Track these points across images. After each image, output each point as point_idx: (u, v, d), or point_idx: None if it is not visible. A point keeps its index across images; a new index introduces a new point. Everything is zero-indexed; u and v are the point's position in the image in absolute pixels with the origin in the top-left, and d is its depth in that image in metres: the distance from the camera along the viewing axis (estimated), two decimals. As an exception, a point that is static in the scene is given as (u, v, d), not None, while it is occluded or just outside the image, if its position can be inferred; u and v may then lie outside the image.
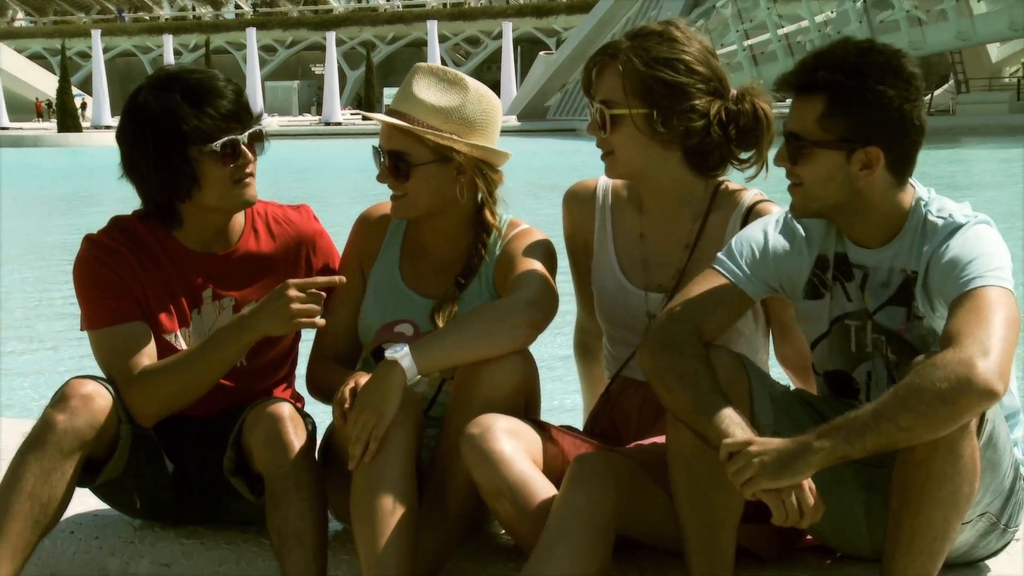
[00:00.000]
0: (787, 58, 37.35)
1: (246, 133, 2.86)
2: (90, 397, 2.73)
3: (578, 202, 2.95)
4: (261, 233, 3.00)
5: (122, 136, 2.88)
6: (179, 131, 2.79)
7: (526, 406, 2.77)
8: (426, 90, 2.88)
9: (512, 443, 2.63)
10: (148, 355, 2.84)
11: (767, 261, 2.60)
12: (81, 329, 2.92)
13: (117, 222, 2.95)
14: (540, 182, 20.09)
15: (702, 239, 2.83)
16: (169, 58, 58.90)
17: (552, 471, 2.68)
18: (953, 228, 2.49)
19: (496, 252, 2.93)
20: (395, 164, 2.87)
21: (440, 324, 2.86)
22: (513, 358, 2.72)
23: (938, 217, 2.51)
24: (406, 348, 2.68)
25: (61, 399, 2.73)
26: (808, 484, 2.33)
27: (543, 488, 2.62)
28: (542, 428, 2.75)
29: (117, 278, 2.87)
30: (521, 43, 61.95)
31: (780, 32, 39.18)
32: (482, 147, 2.87)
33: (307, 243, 3.03)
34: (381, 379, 2.66)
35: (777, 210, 2.74)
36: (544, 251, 2.88)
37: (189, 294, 2.94)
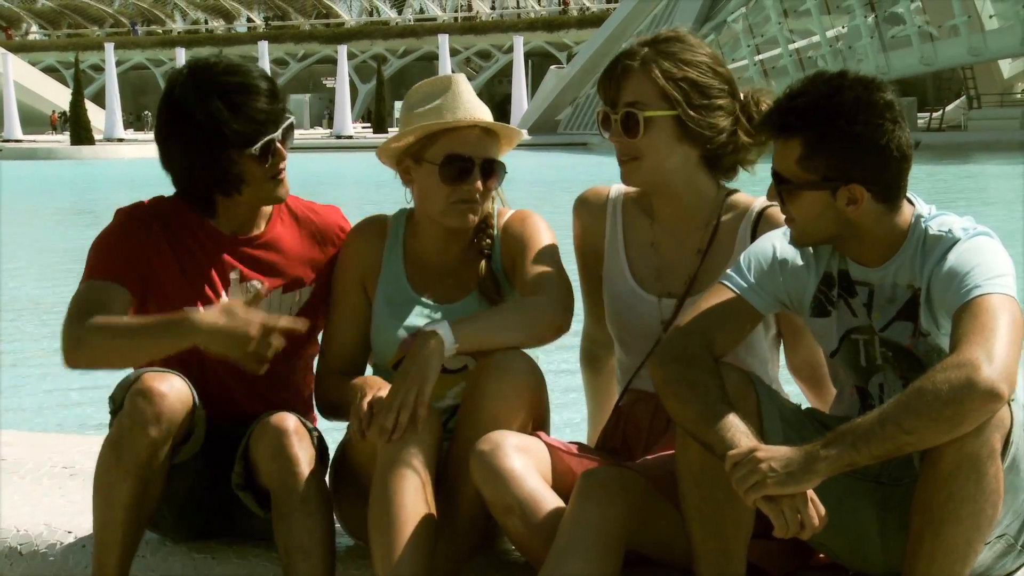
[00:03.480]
0: (798, 73, 37.33)
1: (280, 130, 2.89)
2: (164, 395, 2.72)
3: (589, 208, 2.96)
4: (287, 222, 3.02)
5: (164, 135, 2.89)
6: (222, 135, 2.82)
7: (535, 420, 2.77)
8: (478, 99, 2.95)
9: (522, 460, 2.62)
10: (109, 313, 2.82)
11: (775, 275, 2.60)
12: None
13: (152, 201, 2.97)
14: (550, 196, 20.08)
15: (713, 245, 2.83)
16: (181, 71, 58.78)
17: (562, 488, 2.67)
18: (952, 242, 2.49)
19: (495, 234, 2.96)
20: (493, 171, 2.90)
21: (486, 287, 2.89)
22: (522, 371, 2.72)
23: (938, 232, 2.52)
24: (445, 322, 2.71)
25: (138, 396, 2.71)
26: (811, 495, 2.33)
27: (553, 505, 2.61)
28: (551, 445, 2.74)
29: (127, 247, 2.88)
30: (532, 57, 62.05)
31: (791, 47, 39.18)
32: (518, 136, 2.96)
33: (332, 238, 3.04)
34: (421, 347, 2.68)
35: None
36: (552, 242, 2.92)
37: (218, 274, 2.93)
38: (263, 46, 54.55)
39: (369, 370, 3.04)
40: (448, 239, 2.96)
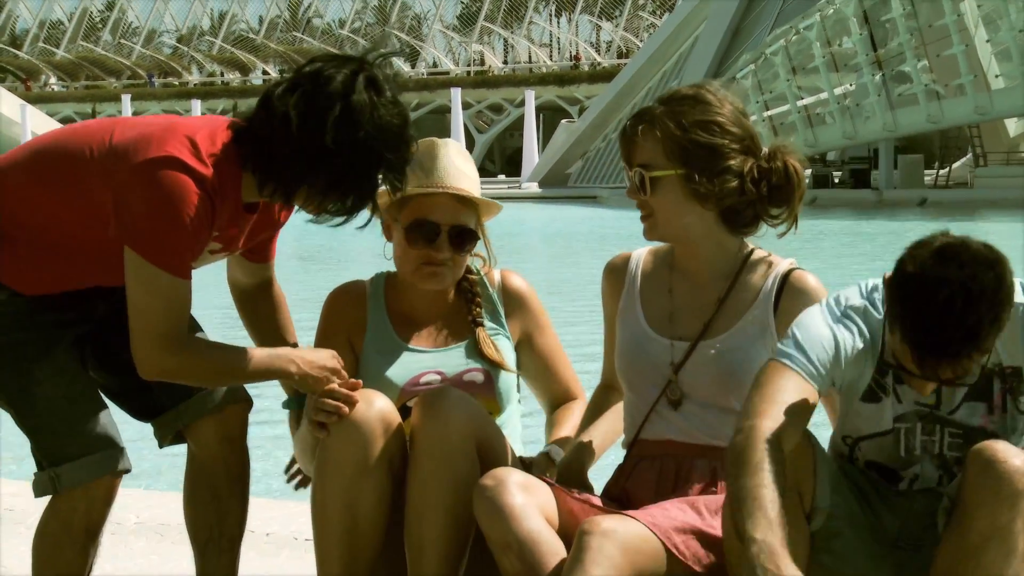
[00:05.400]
0: (806, 129, 37.58)
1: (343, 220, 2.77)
2: None
3: (613, 271, 2.98)
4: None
5: (302, 114, 2.60)
6: (321, 186, 2.65)
7: (482, 449, 2.77)
8: (464, 164, 2.99)
9: (524, 498, 2.63)
10: (185, 325, 2.72)
11: (839, 361, 2.49)
12: (143, 254, 2.63)
13: (213, 151, 2.67)
14: (560, 248, 20.28)
15: (731, 295, 2.84)
16: (196, 122, 59.13)
17: (565, 529, 2.67)
18: None
19: (490, 287, 3.06)
20: (463, 238, 2.97)
21: (487, 349, 2.98)
22: (451, 405, 2.75)
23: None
24: (556, 447, 2.94)
25: None
26: None
27: (552, 546, 2.61)
28: (555, 488, 2.75)
29: (200, 224, 2.65)
30: (543, 111, 62.39)
31: (799, 103, 39.52)
32: (497, 209, 3.06)
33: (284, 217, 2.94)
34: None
35: (816, 286, 2.71)
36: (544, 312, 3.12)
37: (208, 236, 2.74)
38: (278, 98, 54.88)
39: None
40: (431, 296, 3.02)
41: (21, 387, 2.73)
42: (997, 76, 37.06)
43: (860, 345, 2.50)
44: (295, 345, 3.02)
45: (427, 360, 3.00)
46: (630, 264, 2.98)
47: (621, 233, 23.43)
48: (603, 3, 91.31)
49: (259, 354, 2.76)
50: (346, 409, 2.72)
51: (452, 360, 3.01)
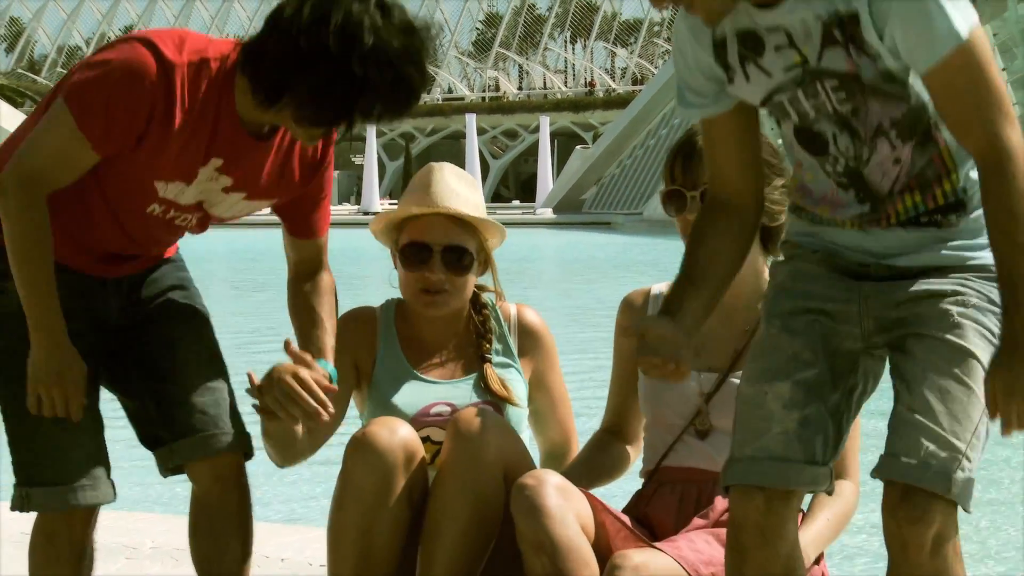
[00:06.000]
0: (821, 156, 37.70)
1: (341, 134, 2.68)
2: None
3: (631, 307, 3.01)
4: (292, 141, 2.74)
5: (299, 32, 2.51)
6: (302, 96, 2.55)
7: (511, 469, 2.78)
8: (462, 186, 2.96)
9: (562, 501, 2.65)
10: (56, 185, 2.60)
11: (705, 77, 2.42)
12: (66, 98, 2.59)
13: (201, 51, 2.63)
14: (575, 274, 20.33)
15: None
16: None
17: (596, 541, 2.69)
18: None
19: (503, 321, 3.04)
20: (457, 258, 2.95)
21: (494, 385, 2.96)
22: (500, 430, 2.80)
23: None
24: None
25: None
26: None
27: (585, 556, 2.63)
28: (591, 497, 2.75)
29: (146, 109, 2.57)
30: (558, 137, 62.63)
31: (815, 131, 39.68)
32: (502, 235, 3.03)
33: (315, 164, 2.80)
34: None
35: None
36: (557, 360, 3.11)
37: (203, 155, 2.66)
38: (293, 123, 55.18)
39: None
40: (441, 325, 3.02)
41: (16, 396, 2.68)
42: (1013, 104, 37.00)
43: (694, 41, 2.41)
44: (321, 347, 2.87)
45: (438, 391, 3.01)
46: (649, 298, 3.00)
47: (637, 260, 23.50)
48: (618, 30, 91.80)
49: (49, 300, 2.61)
50: (325, 416, 2.67)
51: (462, 392, 3.01)
